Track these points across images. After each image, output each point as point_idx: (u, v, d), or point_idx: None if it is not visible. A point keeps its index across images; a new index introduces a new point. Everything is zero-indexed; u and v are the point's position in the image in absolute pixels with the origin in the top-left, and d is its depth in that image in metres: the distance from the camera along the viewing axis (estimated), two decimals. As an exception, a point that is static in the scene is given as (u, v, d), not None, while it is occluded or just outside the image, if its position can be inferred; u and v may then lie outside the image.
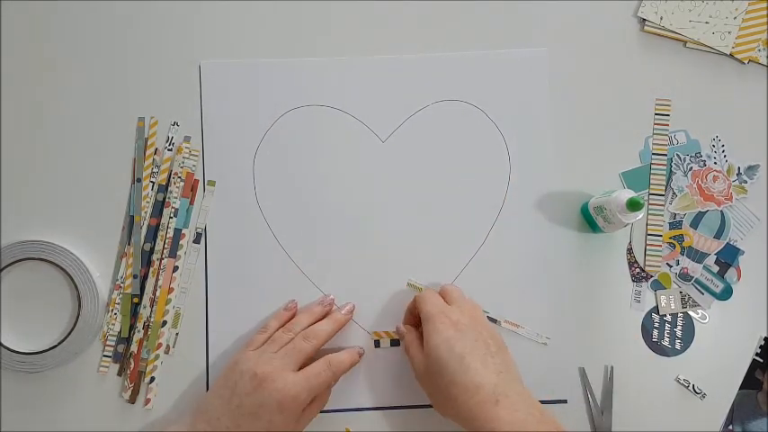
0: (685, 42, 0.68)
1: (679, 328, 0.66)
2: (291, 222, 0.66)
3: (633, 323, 0.66)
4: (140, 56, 0.68)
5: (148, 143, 0.67)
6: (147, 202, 0.66)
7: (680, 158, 0.67)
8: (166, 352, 0.65)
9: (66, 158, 0.67)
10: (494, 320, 0.65)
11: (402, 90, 0.68)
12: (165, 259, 0.66)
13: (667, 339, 0.66)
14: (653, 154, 0.67)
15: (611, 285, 0.66)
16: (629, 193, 0.59)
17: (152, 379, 0.65)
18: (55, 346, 0.63)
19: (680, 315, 0.66)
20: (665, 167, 0.67)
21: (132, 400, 0.65)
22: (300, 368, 0.58)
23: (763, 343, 0.66)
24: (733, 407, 0.65)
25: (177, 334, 0.65)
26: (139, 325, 0.65)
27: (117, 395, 0.65)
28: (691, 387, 0.65)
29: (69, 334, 0.63)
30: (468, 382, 0.54)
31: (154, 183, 0.67)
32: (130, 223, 0.66)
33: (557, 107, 0.68)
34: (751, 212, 0.67)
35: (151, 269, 0.66)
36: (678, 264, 0.66)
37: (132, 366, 0.65)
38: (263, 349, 0.60)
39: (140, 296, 0.65)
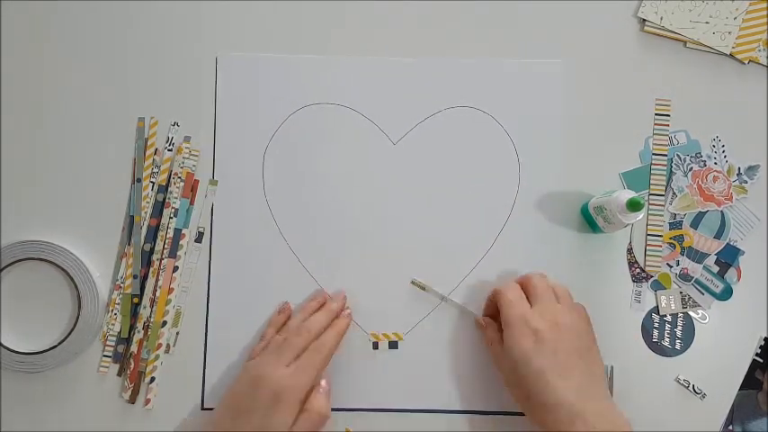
0: (685, 42, 0.68)
1: (679, 328, 0.66)
2: (299, 221, 0.66)
3: (633, 323, 0.66)
4: (140, 56, 0.68)
5: (148, 143, 0.67)
6: (147, 203, 0.66)
7: (680, 158, 0.67)
8: (166, 352, 0.65)
9: (67, 158, 0.67)
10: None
11: (416, 93, 0.68)
12: (165, 259, 0.66)
13: (667, 339, 0.66)
14: (653, 154, 0.67)
15: (611, 285, 0.66)
16: (629, 194, 0.59)
17: (152, 379, 0.65)
18: (55, 346, 0.63)
19: (680, 315, 0.66)
20: (665, 168, 0.67)
21: (132, 400, 0.65)
22: None
23: (763, 343, 0.66)
24: (733, 407, 0.65)
25: (177, 333, 0.65)
26: (139, 325, 0.65)
27: (117, 395, 0.65)
28: (691, 387, 0.65)
29: (69, 334, 0.63)
30: (544, 401, 0.54)
31: (154, 183, 0.67)
32: (130, 223, 0.66)
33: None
34: (751, 212, 0.67)
35: (151, 269, 0.66)
36: (678, 264, 0.66)
37: (132, 366, 0.65)
38: (262, 354, 0.61)
39: (140, 296, 0.65)
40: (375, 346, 0.65)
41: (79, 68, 0.68)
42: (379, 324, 0.66)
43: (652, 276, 0.66)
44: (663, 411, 0.65)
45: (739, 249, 0.66)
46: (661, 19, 0.68)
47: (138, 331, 0.65)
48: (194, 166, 0.67)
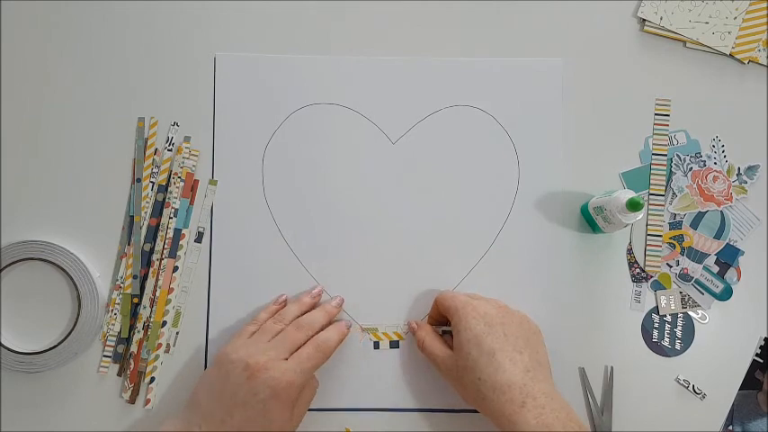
0: (685, 42, 0.68)
1: (679, 328, 0.66)
2: (298, 221, 0.66)
3: (633, 323, 0.66)
4: (140, 56, 0.68)
5: (148, 143, 0.67)
6: (147, 203, 0.66)
7: (680, 158, 0.67)
8: (166, 351, 0.65)
9: (67, 158, 0.67)
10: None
11: (415, 93, 0.68)
12: (165, 259, 0.66)
13: (667, 339, 0.66)
14: (653, 154, 0.67)
15: (611, 285, 0.66)
16: (629, 194, 0.59)
17: (152, 379, 0.65)
18: (55, 346, 0.63)
19: (680, 315, 0.66)
20: (665, 167, 0.67)
21: (132, 400, 0.65)
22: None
23: (763, 343, 0.66)
24: (733, 407, 0.65)
25: (177, 333, 0.65)
26: (139, 325, 0.65)
27: (117, 395, 0.65)
28: (691, 387, 0.65)
29: (69, 334, 0.63)
30: (496, 382, 0.55)
31: (154, 183, 0.67)
32: (130, 223, 0.66)
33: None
34: (751, 213, 0.67)
35: (151, 269, 0.66)
36: (678, 264, 0.66)
37: (132, 366, 0.65)
38: (254, 339, 0.60)
39: (140, 296, 0.65)
40: (376, 345, 0.65)
41: (79, 68, 0.68)
42: (379, 323, 0.66)
43: (652, 276, 0.66)
44: (663, 411, 0.65)
45: (739, 249, 0.66)
46: (661, 19, 0.68)
47: (138, 331, 0.65)
48: (194, 166, 0.67)
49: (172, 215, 0.66)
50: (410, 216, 0.67)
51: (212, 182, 0.67)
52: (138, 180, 0.67)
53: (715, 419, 0.65)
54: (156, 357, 0.65)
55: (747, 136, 0.68)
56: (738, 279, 0.66)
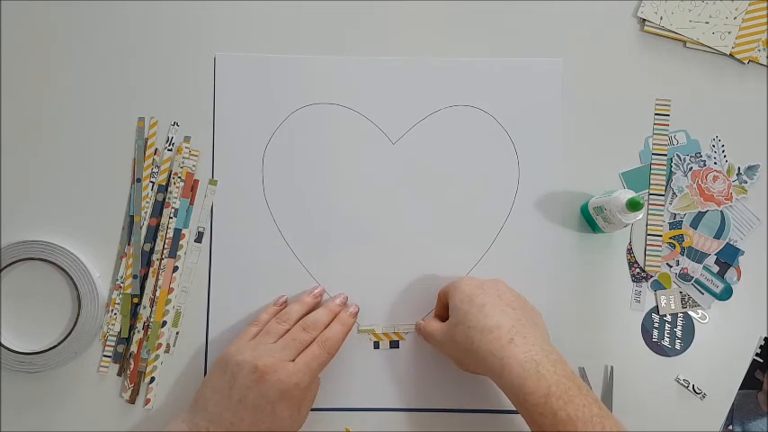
0: (685, 42, 0.68)
1: (679, 328, 0.66)
2: (298, 221, 0.66)
3: (633, 323, 0.66)
4: (140, 56, 0.68)
5: (148, 143, 0.67)
6: (147, 202, 0.66)
7: (680, 158, 0.67)
8: (166, 352, 0.65)
9: (67, 158, 0.67)
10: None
11: (415, 93, 0.68)
12: (165, 259, 0.66)
13: (667, 339, 0.66)
14: (653, 154, 0.67)
15: (611, 285, 0.66)
16: (629, 193, 0.59)
17: (152, 379, 0.65)
18: (55, 346, 0.63)
19: (680, 315, 0.66)
20: (665, 167, 0.67)
21: (132, 400, 0.65)
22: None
23: (763, 343, 0.66)
24: (733, 407, 0.65)
25: (177, 333, 0.65)
26: (139, 325, 0.65)
27: (117, 395, 0.65)
28: (691, 387, 0.65)
29: (69, 334, 0.63)
30: (485, 324, 0.55)
31: (154, 183, 0.67)
32: (130, 223, 0.66)
33: (557, 107, 0.68)
34: (751, 212, 0.67)
35: (151, 269, 0.66)
36: (678, 264, 0.66)
37: (132, 366, 0.65)
38: (259, 341, 0.59)
39: (140, 296, 0.65)
40: (376, 345, 0.65)
41: (79, 68, 0.68)
42: (379, 323, 0.66)
43: (652, 276, 0.66)
44: (663, 411, 0.65)
45: (739, 249, 0.66)
46: (661, 19, 0.68)
47: (138, 331, 0.65)
48: (194, 165, 0.67)
49: (172, 215, 0.66)
50: (410, 216, 0.67)
51: (212, 182, 0.67)
52: (138, 180, 0.67)
53: (715, 419, 0.65)
54: (156, 357, 0.65)
55: (747, 136, 0.68)
56: (738, 279, 0.66)
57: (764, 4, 0.68)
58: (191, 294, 0.66)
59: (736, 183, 0.67)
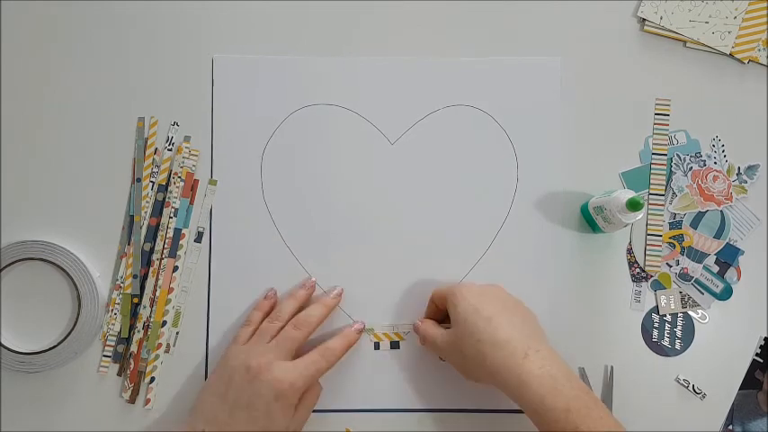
0: (685, 42, 0.68)
1: (679, 328, 0.66)
2: (297, 221, 0.66)
3: (633, 323, 0.66)
4: (140, 56, 0.68)
5: (148, 143, 0.67)
6: (147, 202, 0.66)
7: (680, 158, 0.67)
8: (166, 352, 0.65)
9: (67, 158, 0.67)
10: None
11: (413, 93, 0.68)
12: (165, 259, 0.66)
13: (667, 339, 0.66)
14: (653, 154, 0.67)
15: (611, 285, 0.66)
16: (629, 193, 0.59)
17: (152, 379, 0.65)
18: (55, 346, 0.63)
19: (680, 315, 0.66)
20: (665, 167, 0.67)
21: (132, 400, 0.65)
22: (293, 356, 0.59)
23: (763, 343, 0.66)
24: (733, 407, 0.65)
25: (177, 333, 0.65)
26: (139, 325, 0.65)
27: (117, 395, 0.65)
28: (691, 387, 0.65)
29: (69, 334, 0.63)
30: (496, 338, 0.55)
31: (154, 183, 0.67)
32: (130, 223, 0.66)
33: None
34: (751, 212, 0.67)
35: (151, 269, 0.66)
36: (678, 264, 0.66)
37: (132, 366, 0.65)
38: (253, 341, 0.60)
39: (140, 296, 0.66)
40: (376, 346, 0.65)
41: (79, 68, 0.68)
42: (379, 324, 0.66)
43: (652, 276, 0.66)
44: (663, 411, 0.65)
45: (739, 249, 0.66)
46: (661, 19, 0.68)
47: (138, 331, 0.65)
48: (194, 165, 0.67)
49: (172, 215, 0.66)
50: (409, 216, 0.67)
51: (212, 182, 0.67)
52: (138, 180, 0.67)
53: (715, 419, 0.65)
54: (156, 357, 0.65)
55: (747, 136, 0.68)
56: (738, 279, 0.66)
57: (764, 4, 0.68)
58: (191, 294, 0.66)
59: (736, 183, 0.67)
